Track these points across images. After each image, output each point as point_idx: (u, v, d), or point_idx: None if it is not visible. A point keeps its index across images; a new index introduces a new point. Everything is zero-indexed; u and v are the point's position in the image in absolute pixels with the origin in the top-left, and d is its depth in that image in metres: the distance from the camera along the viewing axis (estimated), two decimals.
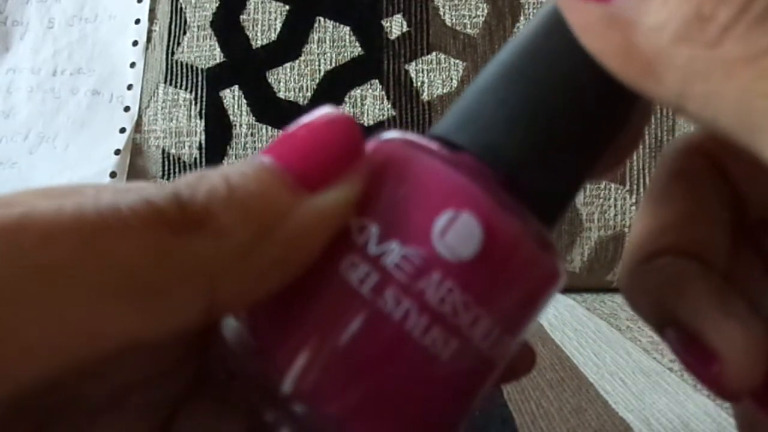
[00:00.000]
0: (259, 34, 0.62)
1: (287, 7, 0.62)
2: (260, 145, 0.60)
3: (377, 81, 0.60)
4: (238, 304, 0.13)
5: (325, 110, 0.13)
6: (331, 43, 0.61)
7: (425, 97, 0.59)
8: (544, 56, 0.14)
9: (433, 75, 0.60)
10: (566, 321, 0.45)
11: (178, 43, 0.63)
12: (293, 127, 0.13)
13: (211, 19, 0.62)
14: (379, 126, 0.59)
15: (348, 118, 0.13)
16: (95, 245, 0.10)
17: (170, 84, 0.62)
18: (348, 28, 0.61)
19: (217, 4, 0.63)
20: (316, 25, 0.61)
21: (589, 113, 0.14)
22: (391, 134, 0.14)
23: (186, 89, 0.62)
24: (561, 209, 0.15)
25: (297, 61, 0.61)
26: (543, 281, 0.14)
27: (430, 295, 0.13)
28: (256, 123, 0.60)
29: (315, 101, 0.60)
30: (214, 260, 0.11)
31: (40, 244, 0.10)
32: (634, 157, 0.57)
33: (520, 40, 0.14)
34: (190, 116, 0.61)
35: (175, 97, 0.62)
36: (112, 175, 0.60)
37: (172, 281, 0.11)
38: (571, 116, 0.14)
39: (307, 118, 0.13)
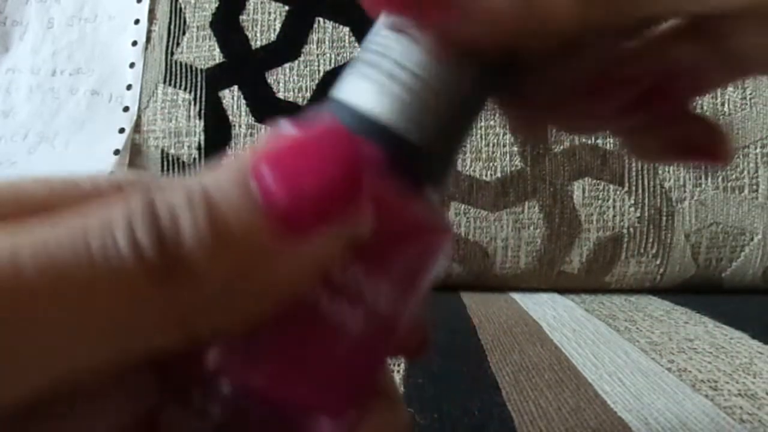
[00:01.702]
0: (258, 35, 0.62)
1: (287, 8, 0.62)
2: None
3: None
4: (213, 337, 0.13)
5: (325, 128, 0.13)
6: (331, 43, 0.61)
7: None
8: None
9: None
10: (565, 322, 0.45)
11: (178, 44, 0.63)
12: (291, 136, 0.13)
13: (210, 20, 0.62)
14: None
15: (355, 143, 0.13)
16: (84, 295, 0.11)
17: (169, 84, 0.62)
18: (348, 28, 0.61)
19: (216, 5, 0.63)
20: (316, 25, 0.61)
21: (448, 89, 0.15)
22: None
23: (185, 89, 0.62)
24: (444, 169, 0.16)
25: (296, 62, 0.61)
26: (434, 241, 0.15)
27: (335, 276, 0.14)
28: (256, 123, 0.60)
29: (314, 102, 0.60)
30: (189, 305, 0.12)
31: (47, 292, 0.11)
32: (633, 159, 0.57)
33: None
34: (190, 116, 0.61)
35: (175, 97, 0.62)
36: None
37: (149, 324, 0.11)
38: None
39: (307, 133, 0.13)
